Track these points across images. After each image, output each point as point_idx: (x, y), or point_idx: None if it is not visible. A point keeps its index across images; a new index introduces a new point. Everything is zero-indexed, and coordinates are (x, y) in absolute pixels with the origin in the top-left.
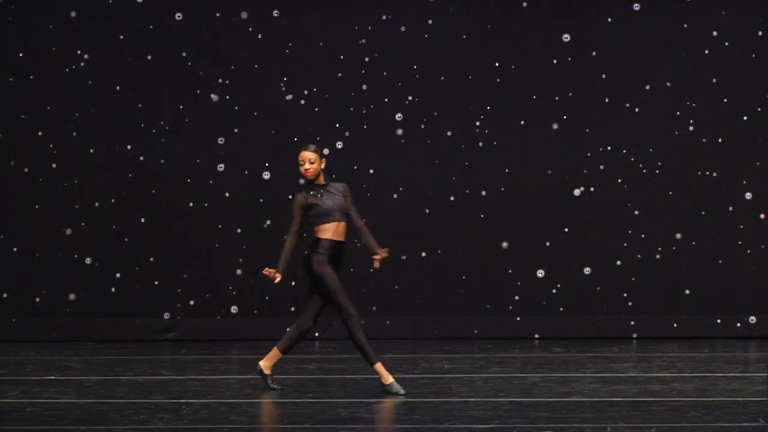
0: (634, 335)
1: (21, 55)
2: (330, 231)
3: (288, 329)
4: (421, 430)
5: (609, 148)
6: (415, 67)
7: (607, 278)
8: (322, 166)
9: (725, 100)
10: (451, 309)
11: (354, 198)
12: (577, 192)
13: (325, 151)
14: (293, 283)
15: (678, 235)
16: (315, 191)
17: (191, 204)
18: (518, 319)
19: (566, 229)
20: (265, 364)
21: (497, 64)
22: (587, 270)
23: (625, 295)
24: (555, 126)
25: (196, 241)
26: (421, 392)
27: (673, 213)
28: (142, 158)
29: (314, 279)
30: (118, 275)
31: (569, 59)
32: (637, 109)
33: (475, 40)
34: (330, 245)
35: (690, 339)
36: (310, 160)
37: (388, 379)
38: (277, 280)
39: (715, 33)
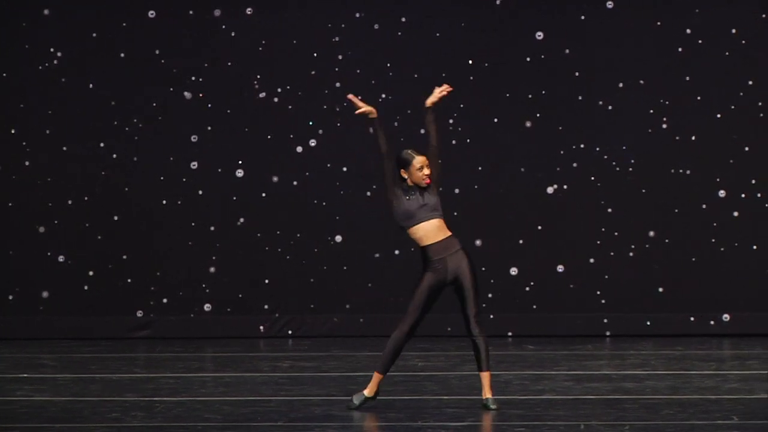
0: (608, 333)
1: None
2: (420, 235)
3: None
4: (395, 427)
5: (582, 145)
6: (389, 64)
7: (581, 276)
8: None
9: (699, 98)
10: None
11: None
12: (550, 190)
13: (299, 149)
14: (266, 281)
15: (651, 233)
16: (410, 190)
17: (164, 202)
18: (492, 316)
19: (539, 227)
20: None
21: (470, 62)
22: (560, 268)
23: (598, 292)
24: (528, 124)
25: (169, 239)
26: (396, 390)
27: (646, 211)
28: (115, 156)
29: None
30: (91, 273)
31: (542, 57)
32: (610, 107)
33: (449, 37)
34: (424, 253)
35: (664, 337)
36: (427, 165)
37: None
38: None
39: (688, 31)
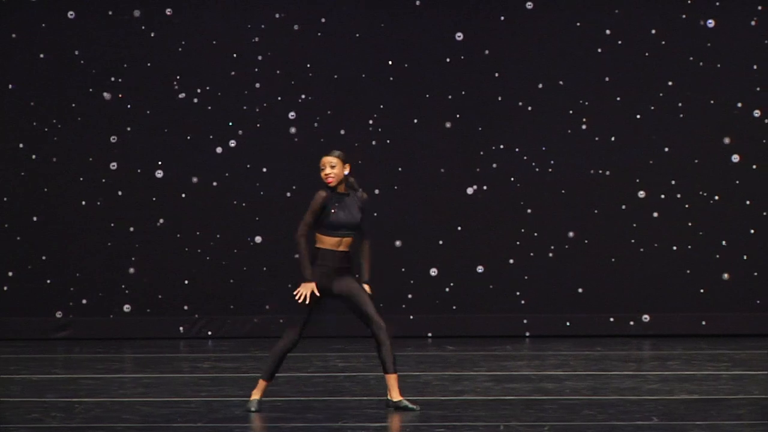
0: (527, 333)
1: None
2: (328, 244)
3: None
4: (314, 428)
5: (502, 146)
6: (309, 65)
7: (500, 277)
8: (345, 172)
9: (618, 99)
10: (345, 307)
11: (370, 212)
12: (470, 190)
13: (218, 150)
14: (186, 282)
15: (571, 234)
16: (335, 199)
17: (84, 203)
18: (411, 317)
19: (459, 228)
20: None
21: (390, 63)
22: (480, 268)
23: (517, 293)
24: (448, 125)
25: (88, 239)
26: (315, 390)
27: (565, 211)
28: (34, 157)
29: None
30: (10, 274)
31: (462, 58)
32: (529, 108)
33: (368, 38)
34: (327, 255)
35: (583, 337)
36: (331, 164)
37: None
38: (315, 291)
39: (608, 32)
